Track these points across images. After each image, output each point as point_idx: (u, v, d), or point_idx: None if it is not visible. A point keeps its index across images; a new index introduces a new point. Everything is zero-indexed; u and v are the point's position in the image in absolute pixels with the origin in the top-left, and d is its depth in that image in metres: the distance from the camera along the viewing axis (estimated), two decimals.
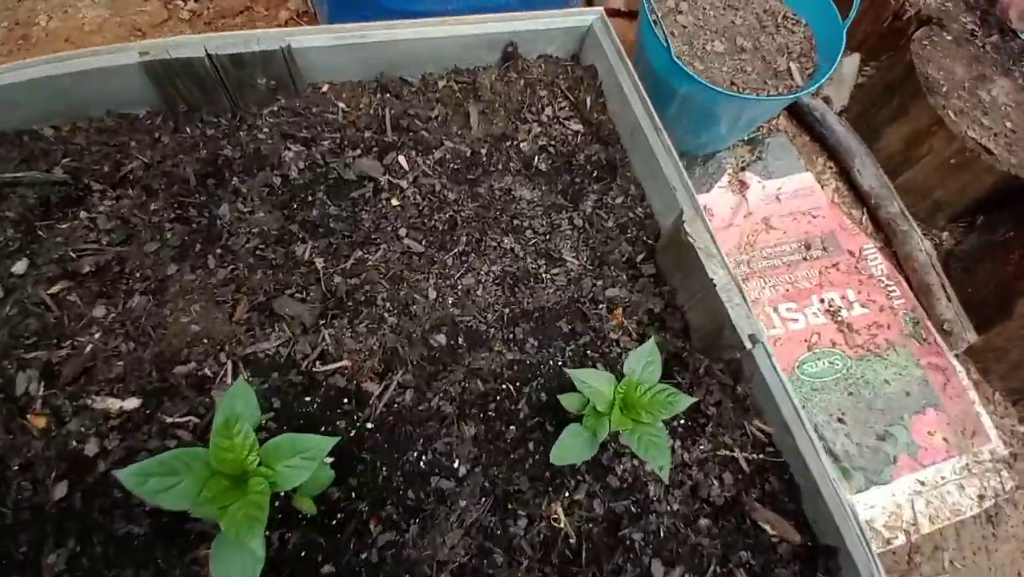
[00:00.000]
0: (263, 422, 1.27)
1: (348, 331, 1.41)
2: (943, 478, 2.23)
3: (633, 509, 1.32)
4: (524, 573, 1.19)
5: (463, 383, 1.39)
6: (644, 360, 1.16)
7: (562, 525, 1.25)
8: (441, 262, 1.54)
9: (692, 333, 1.41)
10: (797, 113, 2.95)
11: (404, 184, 1.64)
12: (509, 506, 1.25)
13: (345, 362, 1.36)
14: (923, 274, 2.74)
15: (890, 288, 2.60)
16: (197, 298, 1.40)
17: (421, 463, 1.28)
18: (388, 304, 1.46)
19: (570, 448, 1.13)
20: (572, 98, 1.87)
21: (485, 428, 1.35)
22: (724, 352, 1.43)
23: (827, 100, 2.96)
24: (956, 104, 2.60)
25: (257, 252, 1.48)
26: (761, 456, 1.40)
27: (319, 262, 1.49)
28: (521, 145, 1.79)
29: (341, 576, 1.13)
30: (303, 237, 1.52)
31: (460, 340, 1.45)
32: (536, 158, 1.78)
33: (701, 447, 1.38)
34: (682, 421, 1.42)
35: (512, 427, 1.36)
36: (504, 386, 1.41)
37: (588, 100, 1.85)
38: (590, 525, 1.27)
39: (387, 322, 1.44)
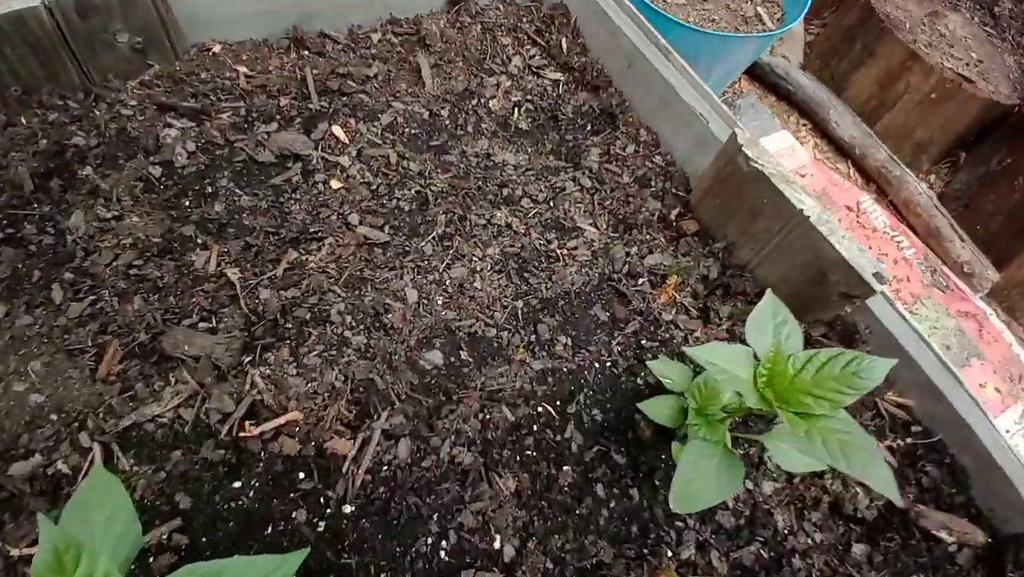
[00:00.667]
0: (161, 539, 0.74)
1: (291, 366, 0.91)
2: (1007, 432, 1.96)
3: (765, 554, 0.88)
4: None
5: (481, 415, 0.92)
6: (771, 321, 0.75)
7: None
8: (417, 251, 1.09)
9: (772, 293, 1.02)
10: (759, 75, 2.75)
11: (345, 160, 1.19)
12: None
13: (293, 415, 0.87)
14: (928, 218, 2.55)
15: (898, 239, 2.38)
16: (38, 351, 0.87)
17: (442, 552, 0.79)
18: (348, 318, 0.98)
19: (702, 481, 0.69)
20: (543, 43, 1.50)
21: (528, 477, 0.88)
22: (824, 310, 1.05)
23: (785, 58, 2.79)
24: (923, 38, 2.47)
25: (132, 271, 0.96)
26: (907, 440, 1.01)
27: (232, 273, 0.99)
28: (491, 103, 1.39)
29: None
30: (203, 242, 1.02)
31: (464, 354, 0.99)
32: (513, 115, 1.38)
33: None
34: None
35: (566, 467, 0.90)
36: (540, 409, 0.95)
37: (563, 43, 1.49)
38: None
39: (351, 344, 0.95)
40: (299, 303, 0.98)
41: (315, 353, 0.93)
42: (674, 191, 1.27)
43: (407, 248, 1.09)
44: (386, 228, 1.11)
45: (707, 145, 1.20)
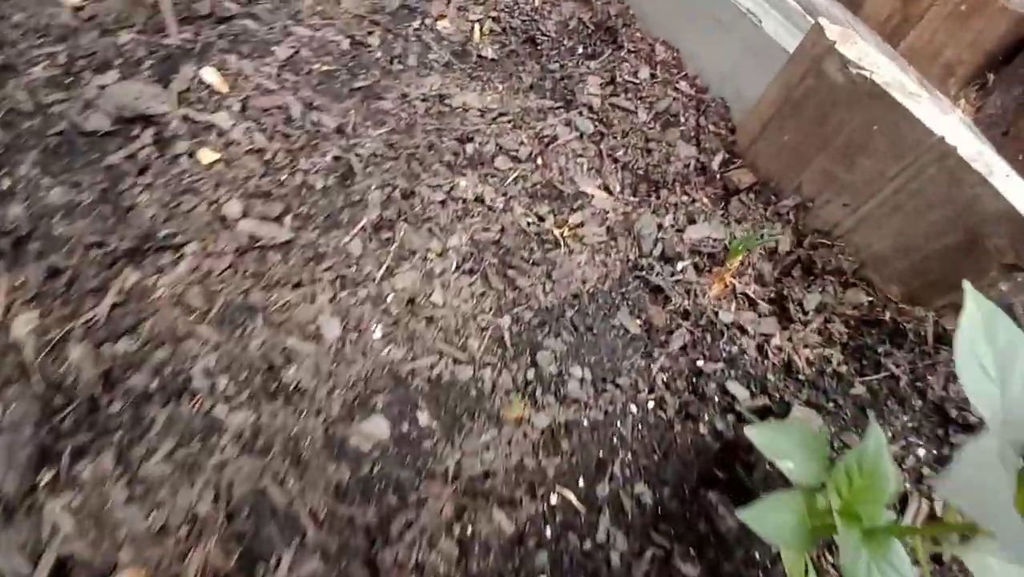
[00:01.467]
0: None
1: (121, 485, 0.52)
2: None
3: None
4: None
5: (458, 527, 0.55)
6: (989, 346, 0.38)
7: None
8: (337, 253, 0.69)
9: (881, 271, 0.65)
10: None
11: (223, 119, 0.77)
12: None
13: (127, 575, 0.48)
14: None
15: None
16: None
17: None
18: (223, 381, 0.59)
19: None
20: None
21: None
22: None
23: None
24: None
25: None
26: None
27: (24, 322, 0.59)
28: (439, 23, 0.97)
29: None
30: None
31: (423, 417, 0.61)
32: (473, 38, 0.96)
33: None
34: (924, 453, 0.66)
35: None
36: (554, 499, 0.59)
37: None
38: None
39: (227, 429, 0.57)
40: (135, 363, 0.58)
41: (161, 454, 0.54)
42: (713, 129, 0.88)
43: (322, 249, 0.69)
44: (287, 220, 0.71)
45: (760, 55, 0.81)
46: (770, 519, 0.45)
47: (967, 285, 0.43)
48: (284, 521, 0.53)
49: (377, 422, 0.61)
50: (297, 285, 0.66)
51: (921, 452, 0.68)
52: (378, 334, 0.64)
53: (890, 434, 0.68)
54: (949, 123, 0.64)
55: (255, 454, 0.56)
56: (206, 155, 0.76)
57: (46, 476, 0.52)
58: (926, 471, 0.67)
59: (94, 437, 0.54)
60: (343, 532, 0.53)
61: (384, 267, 0.69)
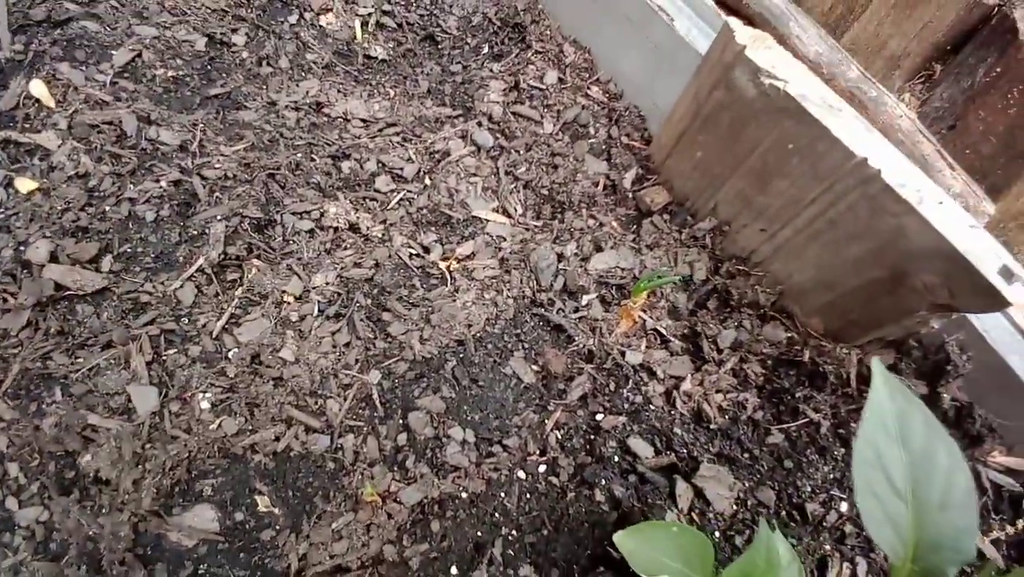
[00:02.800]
0: None
1: None
2: None
3: None
4: None
5: None
6: (893, 441, 0.30)
7: None
8: (164, 300, 0.58)
9: (801, 303, 0.57)
10: None
11: (50, 140, 0.64)
12: None
13: None
14: (912, 145, 2.19)
15: None
16: None
17: None
18: (15, 470, 0.47)
19: None
20: None
21: None
22: (893, 325, 0.62)
23: None
24: None
25: None
26: (1018, 526, 0.61)
27: None
28: (322, 18, 0.86)
29: None
30: None
31: (262, 502, 0.51)
32: (360, 35, 0.85)
33: None
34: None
35: None
36: None
37: None
38: None
39: (17, 524, 0.45)
40: None
41: None
42: (626, 141, 0.79)
43: (145, 298, 0.58)
44: (105, 261, 0.59)
45: (675, 59, 0.73)
46: None
47: (876, 364, 0.35)
48: None
49: (202, 512, 0.50)
50: (108, 345, 0.54)
51: (844, 507, 0.61)
52: (206, 404, 0.53)
53: (809, 488, 0.61)
54: (872, 142, 0.56)
55: (49, 559, 0.45)
56: (24, 184, 0.64)
57: None
58: (848, 528, 0.61)
59: None
60: None
61: (225, 316, 0.58)
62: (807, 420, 0.63)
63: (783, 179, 0.62)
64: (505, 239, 0.70)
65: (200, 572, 0.49)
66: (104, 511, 0.48)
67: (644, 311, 0.69)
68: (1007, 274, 0.52)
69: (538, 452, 0.59)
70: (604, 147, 0.79)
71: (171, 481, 0.50)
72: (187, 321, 0.57)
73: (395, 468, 0.56)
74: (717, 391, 0.64)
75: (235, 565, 0.49)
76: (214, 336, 0.57)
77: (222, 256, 0.61)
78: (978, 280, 0.52)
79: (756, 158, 0.64)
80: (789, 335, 0.67)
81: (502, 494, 0.56)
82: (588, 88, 0.83)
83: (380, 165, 0.73)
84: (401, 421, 0.58)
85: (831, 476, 0.62)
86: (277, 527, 0.51)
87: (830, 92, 0.59)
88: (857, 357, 0.65)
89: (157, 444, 0.51)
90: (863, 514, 0.31)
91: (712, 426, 0.63)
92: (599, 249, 0.71)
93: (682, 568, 0.38)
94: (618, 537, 0.39)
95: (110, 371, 0.53)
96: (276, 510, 0.52)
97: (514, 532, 0.55)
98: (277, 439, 0.54)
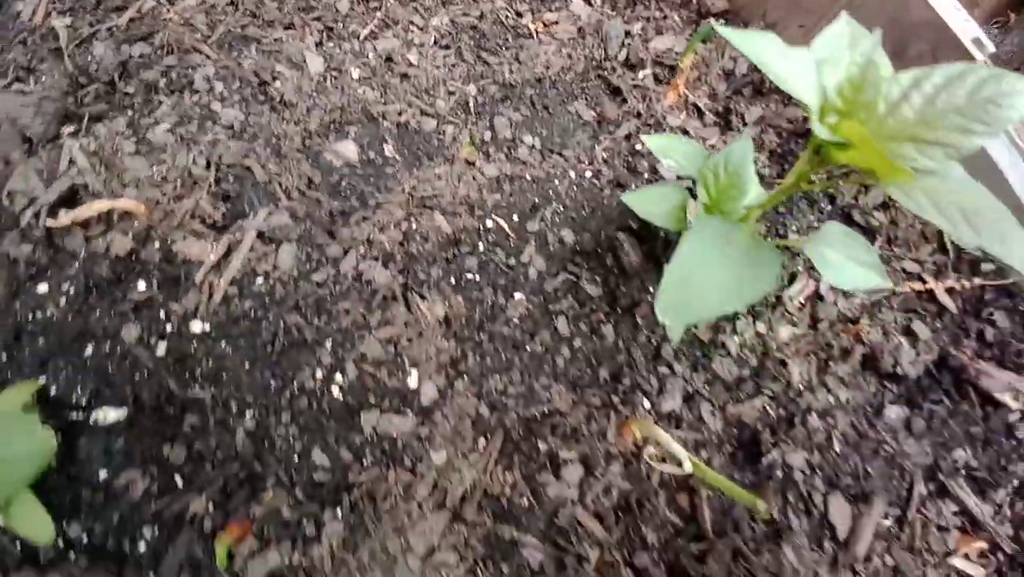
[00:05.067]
0: None
1: (130, 142, 0.64)
2: None
3: (772, 411, 0.67)
4: None
5: (405, 224, 0.66)
6: (847, 52, 0.46)
7: (653, 463, 0.59)
8: (326, 7, 0.77)
9: None
10: None
11: None
12: (541, 441, 0.57)
13: (125, 204, 0.60)
14: None
15: None
16: None
17: (335, 388, 0.57)
18: (220, 86, 0.69)
19: (707, 277, 0.44)
20: None
21: (465, 303, 0.64)
22: None
23: None
24: None
25: None
26: (974, 281, 0.76)
27: (60, 22, 0.69)
28: None
29: None
30: None
31: (388, 149, 0.71)
32: None
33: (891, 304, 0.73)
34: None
35: (518, 295, 0.66)
36: (489, 223, 0.69)
37: None
38: (704, 454, 0.62)
39: (220, 119, 0.67)
40: (148, 63, 0.69)
41: (165, 127, 0.65)
42: None
43: (312, 2, 0.77)
44: None
45: None
46: (647, 202, 0.55)
47: (844, 15, 0.50)
48: (263, 190, 0.64)
49: (348, 145, 0.71)
50: (288, 27, 0.75)
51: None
52: (354, 76, 0.74)
53: (795, 228, 0.77)
54: None
55: (243, 140, 0.67)
56: None
57: (67, 129, 0.64)
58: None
59: (111, 108, 0.65)
60: (310, 208, 0.65)
61: (368, 29, 0.78)
62: None
63: None
64: (583, 16, 0.86)
65: (342, 182, 0.70)
66: (286, 121, 0.69)
67: (689, 90, 0.84)
68: (979, 45, 0.66)
69: (587, 163, 0.77)
70: None
71: (329, 119, 0.71)
72: (342, 26, 0.77)
73: (480, 154, 0.75)
74: None
75: (366, 183, 0.70)
76: (360, 39, 0.77)
77: None
78: (955, 45, 0.65)
79: None
80: (805, 115, 0.82)
81: (555, 182, 0.75)
82: None
83: None
84: (488, 123, 0.77)
85: (816, 223, 0.78)
86: (396, 168, 0.72)
87: None
88: None
89: (322, 93, 0.72)
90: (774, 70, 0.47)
91: None
92: (660, 33, 0.86)
93: (685, 159, 0.55)
94: (625, 197, 0.57)
95: (290, 42, 0.73)
96: (397, 156, 0.72)
97: (561, 207, 0.74)
98: (400, 113, 0.74)
